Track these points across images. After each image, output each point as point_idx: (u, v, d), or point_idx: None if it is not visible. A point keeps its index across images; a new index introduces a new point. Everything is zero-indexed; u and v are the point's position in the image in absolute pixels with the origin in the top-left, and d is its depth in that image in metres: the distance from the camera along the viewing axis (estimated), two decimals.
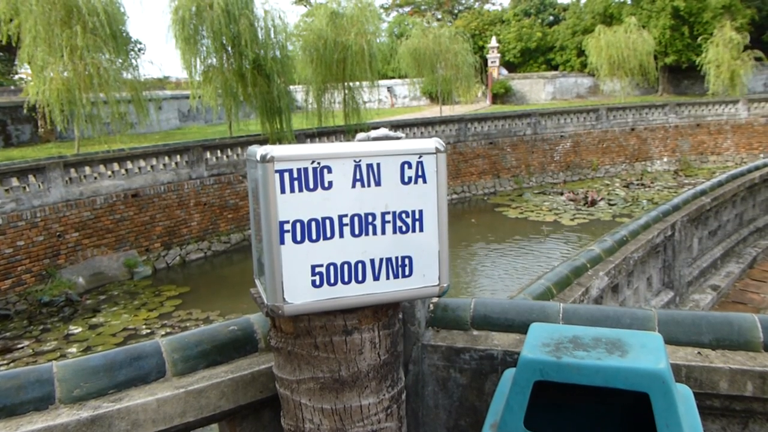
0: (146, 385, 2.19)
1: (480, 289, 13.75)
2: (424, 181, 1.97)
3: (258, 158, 1.80)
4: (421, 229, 1.98)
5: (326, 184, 1.85)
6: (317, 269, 1.87)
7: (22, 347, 10.83)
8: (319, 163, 1.84)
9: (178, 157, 16.59)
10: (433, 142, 1.99)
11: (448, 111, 30.14)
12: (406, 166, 1.95)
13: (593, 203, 21.33)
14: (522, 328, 2.57)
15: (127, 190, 15.26)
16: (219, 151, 17.67)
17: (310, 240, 1.85)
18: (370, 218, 1.92)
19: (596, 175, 26.49)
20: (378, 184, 1.92)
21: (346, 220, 1.89)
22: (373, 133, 2.08)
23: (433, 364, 2.69)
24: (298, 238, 1.84)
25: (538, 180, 25.55)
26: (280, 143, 18.58)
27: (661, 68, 37.44)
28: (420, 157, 1.96)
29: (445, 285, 2.05)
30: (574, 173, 26.32)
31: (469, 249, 16.87)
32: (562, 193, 23.34)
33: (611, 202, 21.59)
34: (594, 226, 18.58)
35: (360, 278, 1.92)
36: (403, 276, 1.98)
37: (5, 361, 10.23)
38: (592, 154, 26.86)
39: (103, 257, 14.60)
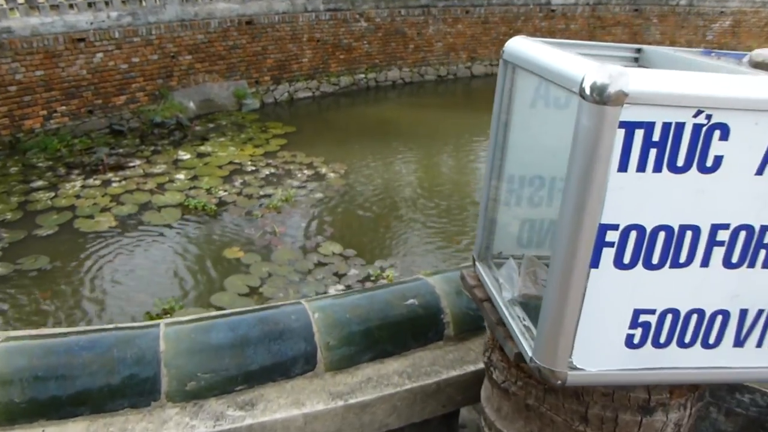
0: (288, 381, 1.48)
1: None
2: None
3: (587, 89, 0.84)
4: None
5: (710, 162, 0.88)
6: (642, 317, 0.97)
7: (134, 166, 10.92)
8: (709, 118, 0.86)
9: None
10: None
11: None
12: None
13: None
14: None
15: (242, 16, 14.39)
16: None
17: (647, 265, 0.93)
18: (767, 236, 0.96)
19: None
20: None
21: (723, 235, 0.94)
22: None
23: None
24: (626, 260, 0.92)
25: None
26: None
27: None
28: None
29: None
30: None
31: None
32: None
33: None
34: None
35: (713, 340, 1.01)
36: None
37: (117, 179, 10.36)
38: (754, 39, 22.83)
39: (214, 84, 14.23)
